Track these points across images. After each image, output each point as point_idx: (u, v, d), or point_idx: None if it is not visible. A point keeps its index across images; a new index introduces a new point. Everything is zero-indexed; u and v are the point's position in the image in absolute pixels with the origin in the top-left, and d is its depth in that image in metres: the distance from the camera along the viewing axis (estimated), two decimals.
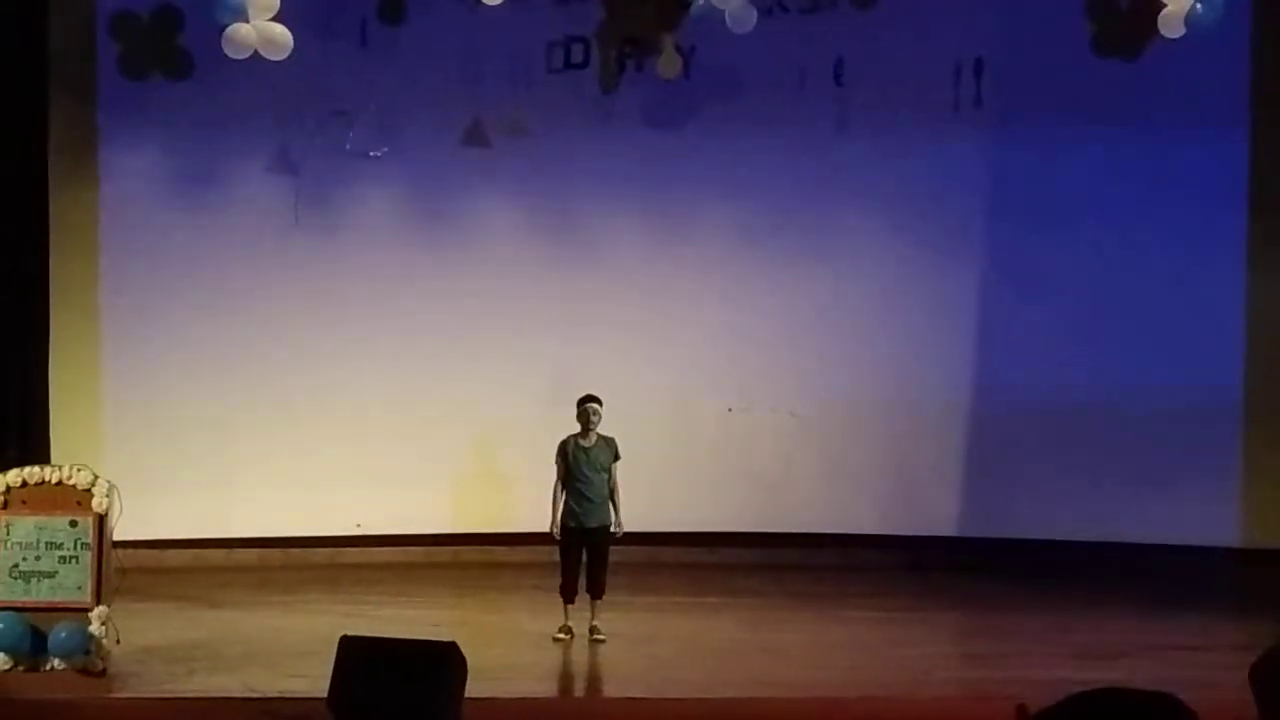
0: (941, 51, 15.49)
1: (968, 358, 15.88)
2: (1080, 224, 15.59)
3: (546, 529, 12.44)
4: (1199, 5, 12.48)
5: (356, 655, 9.93)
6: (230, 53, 12.92)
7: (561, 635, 12.33)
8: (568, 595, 12.36)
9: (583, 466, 12.36)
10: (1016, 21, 15.41)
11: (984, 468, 15.75)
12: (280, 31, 12.80)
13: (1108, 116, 15.35)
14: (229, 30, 12.80)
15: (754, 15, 13.45)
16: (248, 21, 12.74)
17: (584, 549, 12.39)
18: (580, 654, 12.15)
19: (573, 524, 12.34)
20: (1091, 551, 15.30)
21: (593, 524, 12.35)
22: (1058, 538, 15.43)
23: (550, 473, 12.50)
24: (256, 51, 12.98)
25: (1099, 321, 15.64)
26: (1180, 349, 15.47)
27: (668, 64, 14.88)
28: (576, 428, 12.48)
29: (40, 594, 10.64)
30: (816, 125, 15.69)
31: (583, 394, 12.58)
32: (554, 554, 12.55)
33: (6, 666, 10.59)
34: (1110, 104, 15.27)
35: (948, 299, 15.83)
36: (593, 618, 12.38)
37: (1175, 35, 12.85)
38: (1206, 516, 15.25)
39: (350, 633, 10.20)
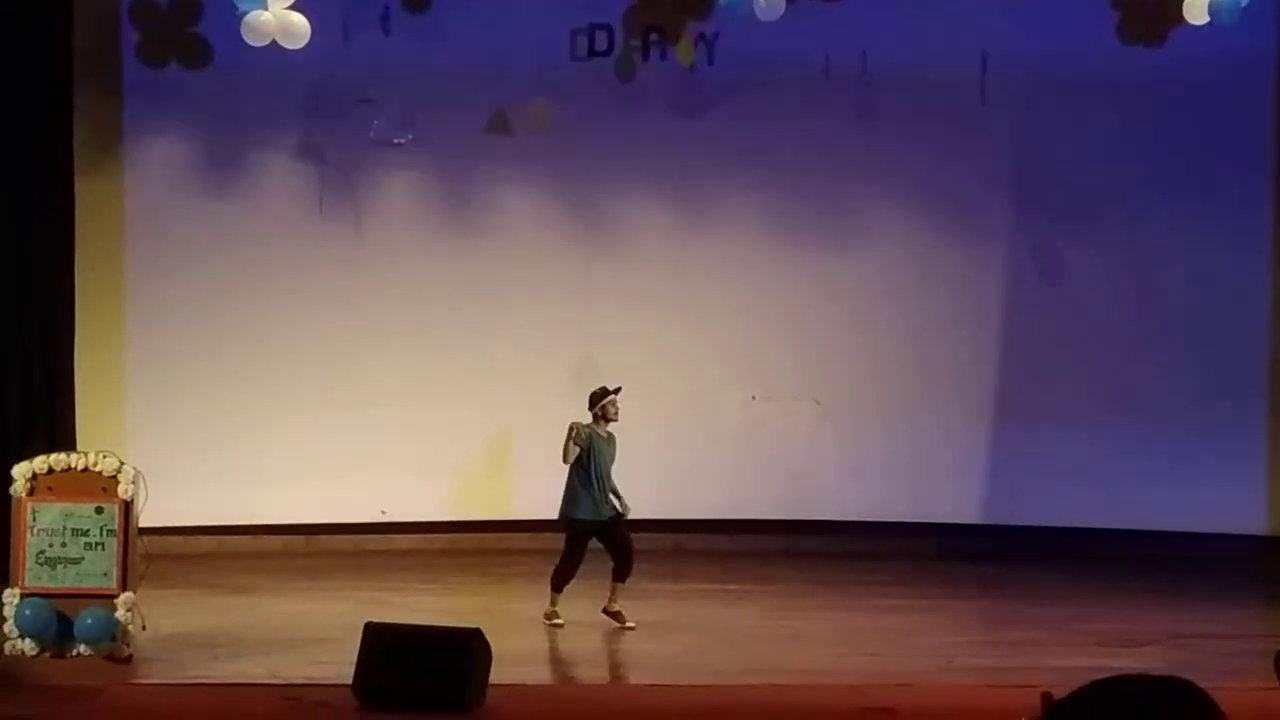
0: (967, 40, 15.46)
1: (992, 345, 15.87)
2: (1106, 211, 15.58)
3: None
4: None
5: (381, 642, 10.00)
6: (249, 40, 12.93)
7: (559, 621, 12.36)
8: (562, 584, 12.37)
9: (600, 458, 12.36)
10: (1041, 10, 15.38)
11: (1008, 455, 15.74)
12: (298, 20, 12.81)
13: (1133, 104, 15.34)
14: (248, 18, 12.81)
15: (783, 3, 13.43)
16: (266, 9, 12.74)
17: (601, 540, 12.40)
18: (604, 641, 12.16)
19: (589, 517, 12.32)
20: (1116, 539, 15.29)
21: (607, 516, 12.36)
22: (1082, 525, 15.43)
23: None
24: (275, 40, 13.00)
25: (1124, 308, 15.62)
26: (1205, 335, 15.46)
27: (684, 53, 14.83)
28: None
29: (66, 580, 10.68)
30: (841, 114, 15.69)
31: (599, 386, 12.53)
32: None
33: (33, 652, 10.65)
34: (1136, 92, 15.25)
35: (972, 287, 15.83)
36: (615, 603, 12.39)
37: (1200, 22, 12.81)
38: (1232, 504, 15.23)
39: (375, 620, 10.28)
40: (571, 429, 12.34)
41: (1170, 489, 15.28)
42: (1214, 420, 15.39)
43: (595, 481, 12.30)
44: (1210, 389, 15.42)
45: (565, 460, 12.31)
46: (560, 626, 12.32)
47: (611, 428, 12.45)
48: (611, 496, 12.38)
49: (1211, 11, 12.65)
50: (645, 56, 15.53)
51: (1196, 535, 15.13)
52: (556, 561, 12.46)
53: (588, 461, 12.31)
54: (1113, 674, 4.43)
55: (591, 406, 12.45)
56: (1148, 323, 15.59)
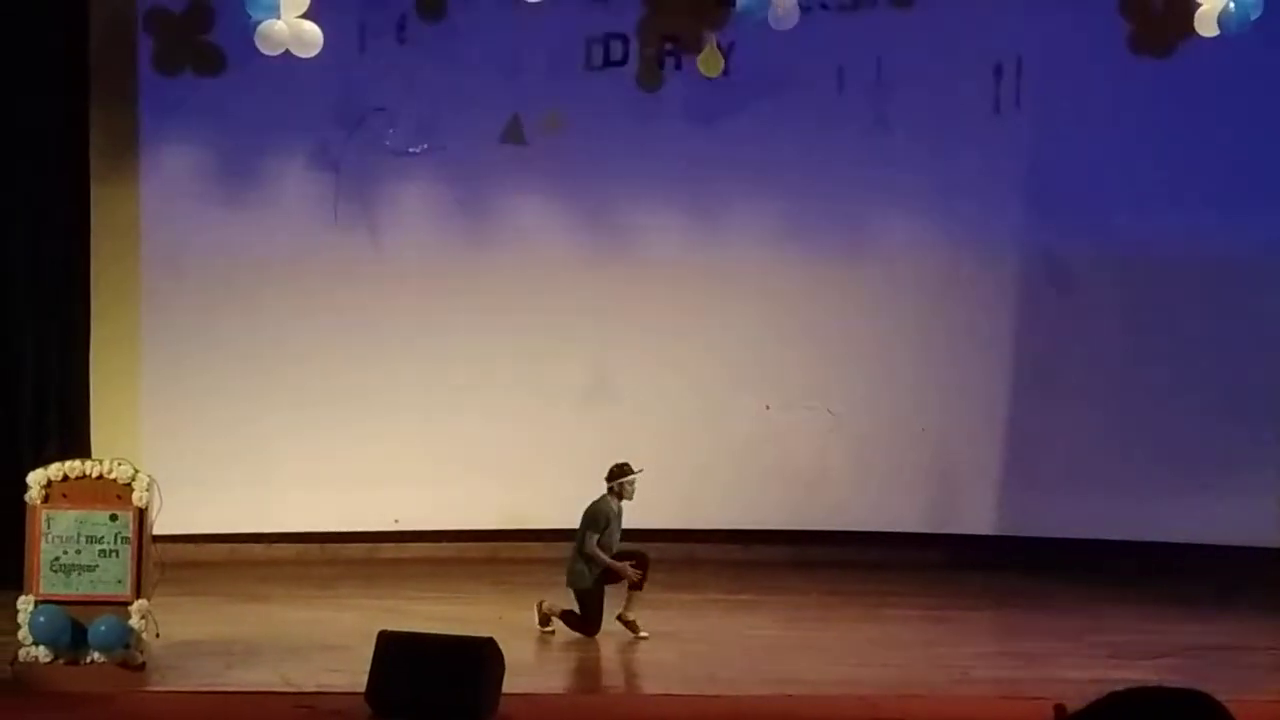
0: (981, 50, 15.46)
1: (1006, 356, 15.84)
2: (1121, 221, 15.55)
3: (595, 548, 12.41)
4: (1231, 4, 12.42)
5: (394, 650, 10.01)
6: (263, 49, 12.94)
7: (550, 629, 12.44)
8: (571, 629, 12.41)
9: (612, 533, 12.44)
10: (1055, 20, 15.36)
11: (1022, 466, 15.71)
12: (310, 29, 12.80)
13: (1149, 114, 15.32)
14: (262, 27, 12.81)
15: (797, 12, 13.42)
16: (279, 18, 12.73)
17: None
18: (616, 650, 12.17)
19: (595, 578, 12.39)
20: (1130, 551, 15.26)
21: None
22: (1096, 537, 15.39)
23: (585, 482, 12.56)
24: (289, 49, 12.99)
25: (1137, 321, 15.59)
26: (1219, 346, 15.42)
27: (709, 63, 14.77)
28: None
29: (80, 588, 10.69)
30: (856, 124, 15.67)
31: (622, 463, 12.50)
32: None
33: (47, 659, 10.65)
34: (1152, 101, 15.24)
35: (986, 296, 15.80)
36: (631, 610, 12.41)
37: (1211, 34, 12.79)
38: (1247, 516, 15.17)
39: (388, 628, 10.29)
40: (596, 519, 12.36)
41: (1184, 500, 15.24)
42: (1228, 431, 15.35)
43: (605, 554, 12.38)
44: (1226, 400, 15.39)
45: (589, 549, 12.32)
46: (551, 634, 12.39)
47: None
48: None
49: (1220, 24, 12.62)
50: (660, 66, 15.54)
51: (1211, 547, 15.08)
52: (567, 569, 12.50)
53: (603, 536, 12.39)
54: (1127, 686, 4.41)
55: (610, 480, 12.47)
56: (1162, 334, 15.55)
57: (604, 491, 12.49)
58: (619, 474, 12.44)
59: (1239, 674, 10.98)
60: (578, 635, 12.34)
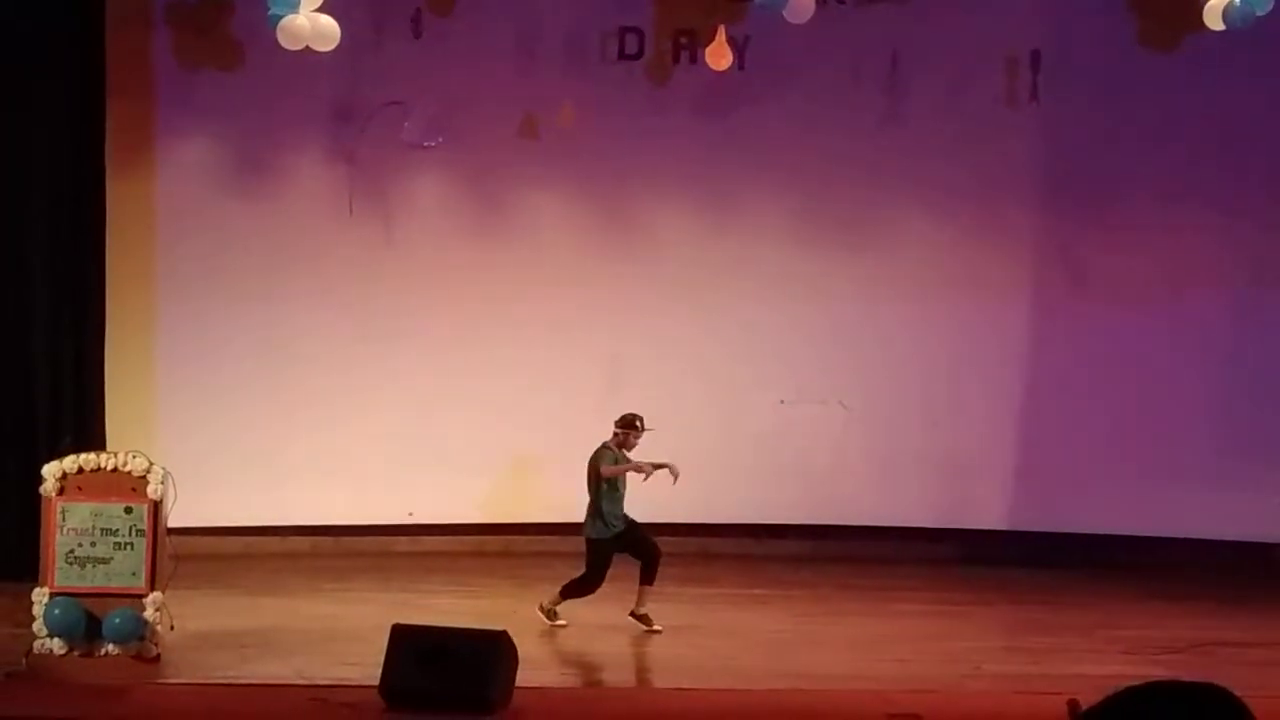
0: (996, 44, 15.47)
1: (1020, 350, 15.84)
2: (1136, 214, 15.53)
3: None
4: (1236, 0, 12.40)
5: (408, 643, 10.03)
6: (284, 44, 12.95)
7: (562, 622, 12.44)
8: (573, 596, 12.43)
9: (622, 478, 12.44)
10: (1070, 14, 15.37)
11: (1036, 461, 15.71)
12: (327, 22, 12.83)
13: (1164, 107, 15.30)
14: (284, 22, 12.82)
15: (812, 6, 13.40)
16: (299, 13, 12.74)
17: (625, 550, 12.46)
18: (630, 644, 12.17)
19: (611, 534, 12.40)
20: (1144, 545, 15.25)
21: (623, 525, 12.45)
22: (1108, 532, 15.39)
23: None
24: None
25: (1154, 312, 15.57)
26: (1237, 339, 15.41)
27: (717, 55, 14.70)
28: (610, 429, 12.53)
29: (95, 580, 10.71)
30: (870, 117, 15.68)
31: (634, 415, 12.52)
32: None
33: (62, 651, 10.68)
34: (1167, 94, 15.23)
35: (1001, 291, 15.80)
36: (642, 605, 12.41)
37: (1219, 29, 12.77)
38: (1262, 511, 15.16)
39: (402, 621, 10.30)
40: (601, 460, 12.38)
41: (1199, 495, 15.23)
42: (1243, 426, 15.34)
43: (613, 499, 12.40)
44: (1239, 395, 15.37)
45: (609, 469, 12.36)
46: (563, 627, 12.38)
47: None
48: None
49: (1225, 19, 12.60)
50: (675, 59, 15.55)
51: (1225, 543, 15.08)
52: (584, 563, 12.50)
53: (611, 482, 12.39)
54: (1141, 681, 4.40)
55: (618, 427, 12.49)
56: (1178, 327, 15.54)
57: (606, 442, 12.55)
58: (629, 425, 12.47)
59: (1253, 670, 10.95)
60: (589, 632, 12.31)
